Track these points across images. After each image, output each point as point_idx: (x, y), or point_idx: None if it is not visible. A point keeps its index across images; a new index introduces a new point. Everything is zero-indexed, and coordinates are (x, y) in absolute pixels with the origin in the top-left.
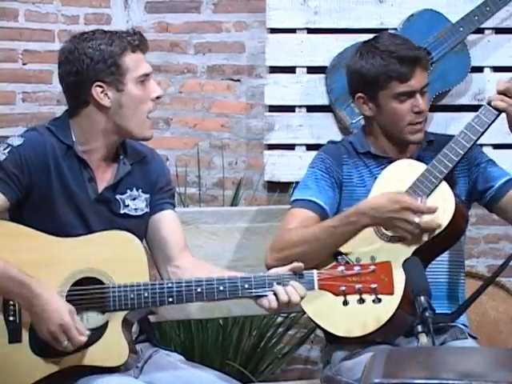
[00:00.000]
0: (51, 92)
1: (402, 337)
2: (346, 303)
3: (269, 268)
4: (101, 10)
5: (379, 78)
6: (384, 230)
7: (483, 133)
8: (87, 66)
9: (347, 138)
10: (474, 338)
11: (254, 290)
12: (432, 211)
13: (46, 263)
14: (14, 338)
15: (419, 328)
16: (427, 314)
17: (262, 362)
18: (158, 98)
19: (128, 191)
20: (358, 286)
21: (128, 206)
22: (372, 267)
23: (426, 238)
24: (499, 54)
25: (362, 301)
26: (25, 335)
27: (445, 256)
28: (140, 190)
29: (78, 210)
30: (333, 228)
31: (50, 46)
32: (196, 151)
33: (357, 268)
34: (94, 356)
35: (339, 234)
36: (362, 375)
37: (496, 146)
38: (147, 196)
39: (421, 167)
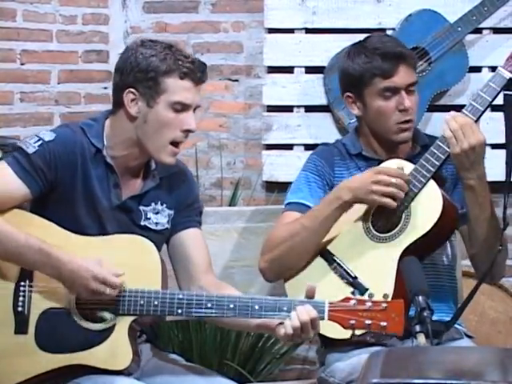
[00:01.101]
0: (49, 92)
1: (395, 338)
2: (352, 336)
3: (263, 272)
4: (99, 10)
5: (364, 75)
6: (374, 231)
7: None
8: (130, 69)
9: (341, 140)
10: (470, 337)
11: (263, 313)
12: (405, 177)
13: None
14: (21, 329)
15: (417, 328)
16: (425, 313)
17: (260, 362)
18: (188, 131)
19: (152, 204)
20: (367, 321)
21: (150, 218)
22: (384, 305)
23: (414, 236)
24: (497, 54)
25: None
26: (31, 328)
27: (436, 259)
28: (164, 205)
29: (97, 213)
30: (317, 211)
31: (48, 46)
32: (194, 151)
33: (369, 304)
34: (97, 357)
35: (324, 217)
36: (360, 375)
37: (494, 146)
38: (171, 212)
39: (409, 167)
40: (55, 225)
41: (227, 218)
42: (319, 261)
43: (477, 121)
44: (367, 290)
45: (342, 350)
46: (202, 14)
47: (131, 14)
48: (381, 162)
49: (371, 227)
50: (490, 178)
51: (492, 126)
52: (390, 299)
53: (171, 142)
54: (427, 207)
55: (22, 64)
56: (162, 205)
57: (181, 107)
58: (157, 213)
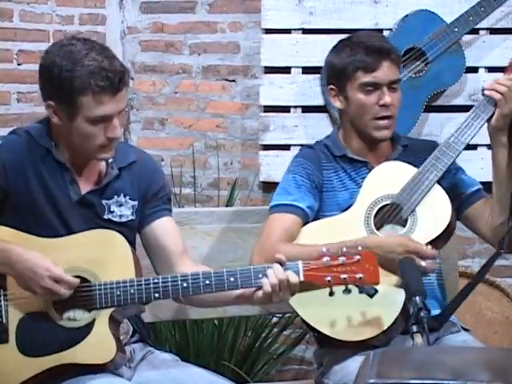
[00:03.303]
0: None
1: (399, 334)
2: (331, 294)
3: None
4: (96, 11)
5: (347, 68)
6: (374, 229)
7: (473, 136)
8: (47, 82)
9: (321, 141)
10: (466, 330)
11: (240, 283)
12: (435, 256)
13: None
14: (1, 338)
15: (414, 328)
16: (422, 314)
17: (257, 363)
18: (111, 139)
19: (115, 197)
20: (343, 276)
21: (113, 212)
22: (357, 257)
23: (427, 238)
24: (494, 55)
25: (348, 291)
26: (12, 335)
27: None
28: (128, 197)
29: (58, 211)
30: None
31: (45, 46)
32: (191, 152)
33: (342, 258)
34: (82, 354)
35: None
36: (356, 376)
37: (491, 147)
38: (134, 203)
39: (409, 169)
40: (23, 233)
41: (224, 219)
42: None
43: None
44: (377, 291)
45: (339, 352)
46: (198, 15)
47: (128, 14)
48: (367, 164)
49: (376, 232)
50: (487, 179)
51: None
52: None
53: (100, 147)
54: (436, 212)
55: (18, 64)
56: (124, 197)
57: (100, 120)
58: (120, 205)
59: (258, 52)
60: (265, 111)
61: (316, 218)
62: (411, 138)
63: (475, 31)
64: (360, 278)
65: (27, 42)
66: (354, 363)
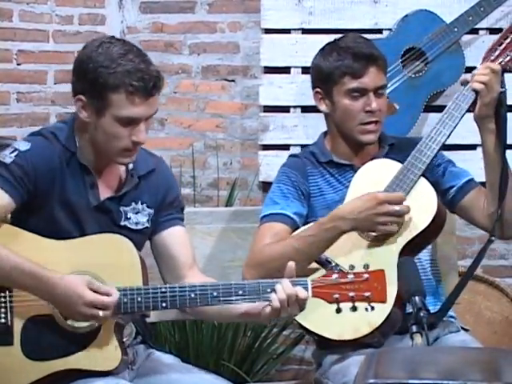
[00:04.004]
0: (46, 92)
1: (395, 335)
2: (338, 311)
3: None
4: (95, 11)
5: (334, 73)
6: (368, 231)
7: (454, 127)
8: (81, 77)
9: (307, 149)
10: (466, 330)
11: (247, 297)
12: (404, 199)
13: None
14: (6, 340)
15: (414, 328)
16: (422, 314)
17: (256, 363)
18: (136, 143)
19: (133, 204)
20: (351, 293)
21: (130, 218)
22: (366, 275)
23: (411, 234)
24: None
25: (354, 309)
26: (16, 338)
27: (421, 255)
28: (144, 205)
29: (75, 215)
30: (311, 238)
31: (45, 46)
32: (191, 152)
33: (350, 276)
34: (86, 360)
35: (317, 243)
36: (356, 376)
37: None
38: (151, 211)
39: (395, 166)
40: (36, 235)
41: (224, 219)
42: (314, 265)
43: (449, 136)
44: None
45: (338, 352)
46: (198, 15)
47: (128, 14)
48: (354, 167)
49: (363, 231)
50: (481, 179)
51: None
52: (370, 269)
53: (123, 149)
54: (421, 205)
55: (18, 64)
56: (142, 204)
57: (128, 121)
58: (137, 212)
59: (257, 52)
60: (264, 111)
61: (307, 223)
62: (397, 137)
63: (475, 31)
64: (368, 297)
65: (27, 41)
66: (352, 363)
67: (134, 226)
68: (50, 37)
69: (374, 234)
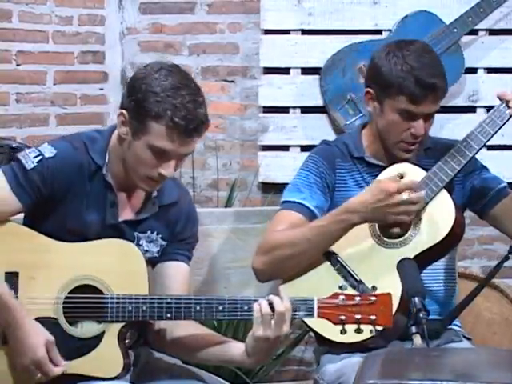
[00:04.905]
0: (45, 93)
1: (397, 341)
2: (343, 332)
3: (256, 272)
4: (95, 11)
5: (392, 86)
6: (379, 232)
7: (486, 142)
8: (130, 93)
9: (341, 138)
10: (468, 339)
11: (254, 313)
12: (417, 186)
13: (46, 266)
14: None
15: (413, 329)
16: (421, 315)
17: None
18: (162, 175)
19: (148, 232)
20: (357, 316)
21: (141, 245)
22: (373, 298)
23: (426, 245)
24: (493, 56)
25: (359, 331)
26: None
27: (438, 264)
28: (159, 236)
29: (84, 231)
30: (322, 227)
31: (44, 47)
32: None
33: (357, 298)
34: (88, 365)
35: (329, 233)
36: (357, 376)
37: (490, 147)
38: (164, 243)
39: (419, 172)
40: (43, 235)
41: (223, 219)
42: (321, 260)
43: (479, 150)
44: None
45: (336, 352)
46: (198, 15)
47: (127, 14)
48: (383, 168)
49: (377, 230)
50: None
51: None
52: (377, 292)
53: (148, 177)
54: (440, 217)
55: (17, 65)
56: (157, 235)
57: (160, 153)
58: (150, 241)
59: (257, 53)
60: (264, 112)
61: None
62: (435, 139)
63: (474, 32)
64: (373, 320)
65: (26, 42)
66: (348, 364)
67: (142, 254)
68: (49, 37)
69: (384, 238)
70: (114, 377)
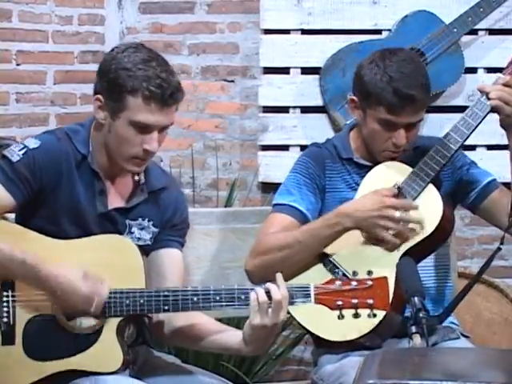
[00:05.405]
0: (45, 93)
1: (393, 338)
2: (341, 317)
3: (249, 274)
4: (95, 11)
5: (371, 96)
6: None
7: (469, 135)
8: (102, 76)
9: (331, 140)
10: (466, 336)
11: (251, 301)
12: (414, 207)
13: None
14: (8, 340)
15: (413, 329)
16: (421, 314)
17: (256, 363)
18: (147, 151)
19: (139, 219)
20: (354, 300)
21: (133, 233)
22: (369, 282)
23: (414, 240)
24: (493, 55)
25: (357, 315)
26: (18, 338)
27: (431, 261)
28: (151, 223)
29: (80, 220)
30: (315, 231)
31: (44, 47)
32: (190, 152)
33: (354, 283)
34: (88, 361)
35: (321, 237)
36: (356, 376)
37: (490, 147)
38: (156, 230)
39: (407, 169)
40: (39, 234)
41: (223, 219)
42: (314, 262)
43: (462, 143)
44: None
45: (334, 352)
46: (197, 15)
47: (127, 14)
48: (372, 168)
49: (364, 231)
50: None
51: (488, 127)
52: (373, 276)
53: (134, 157)
54: (427, 211)
55: (17, 64)
56: (148, 221)
57: (142, 127)
58: (142, 228)
59: (256, 52)
60: (264, 112)
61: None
62: (424, 137)
63: (474, 32)
64: (371, 304)
65: (26, 42)
66: (348, 364)
67: (135, 241)
68: (49, 37)
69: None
70: (114, 371)
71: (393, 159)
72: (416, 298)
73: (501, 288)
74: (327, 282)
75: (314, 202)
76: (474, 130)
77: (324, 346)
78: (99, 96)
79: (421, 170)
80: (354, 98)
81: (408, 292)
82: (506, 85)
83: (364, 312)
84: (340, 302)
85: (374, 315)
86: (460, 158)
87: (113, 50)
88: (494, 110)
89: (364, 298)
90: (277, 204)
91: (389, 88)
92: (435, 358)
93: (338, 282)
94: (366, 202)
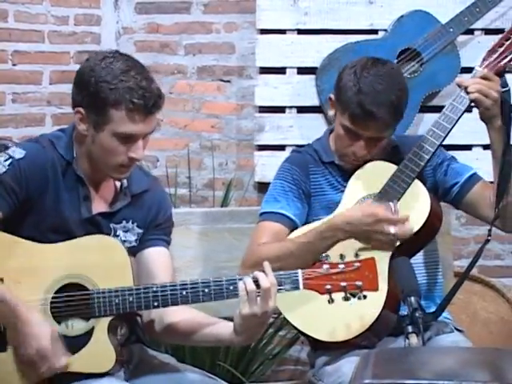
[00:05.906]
0: (41, 93)
1: (389, 336)
2: (331, 301)
3: None
4: (91, 11)
5: (341, 101)
6: None
7: (451, 129)
8: (82, 89)
9: (312, 145)
10: (459, 331)
11: (239, 291)
12: (406, 220)
13: (30, 270)
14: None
15: (409, 328)
16: (417, 314)
17: (252, 363)
18: (133, 159)
19: (123, 222)
20: (343, 283)
21: (118, 235)
22: (356, 264)
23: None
24: None
25: (347, 298)
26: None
27: (420, 257)
28: (135, 224)
29: (65, 226)
30: (308, 244)
31: (40, 47)
32: (186, 152)
33: (341, 266)
34: (81, 362)
35: (315, 250)
36: (352, 376)
37: (486, 147)
38: (140, 231)
39: (391, 167)
40: (24, 240)
41: (219, 219)
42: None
43: (445, 138)
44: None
45: (331, 353)
46: (193, 15)
47: (123, 14)
48: (354, 169)
49: (357, 240)
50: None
51: (483, 127)
52: (360, 258)
53: (120, 165)
54: (415, 207)
55: (13, 65)
56: (132, 223)
57: (127, 137)
58: (126, 231)
59: (252, 52)
60: (260, 112)
61: (307, 223)
62: (401, 137)
63: (470, 32)
64: (359, 286)
65: (22, 42)
66: (346, 364)
67: None
68: (45, 37)
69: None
70: (108, 371)
71: (354, 165)
72: (412, 298)
73: (497, 287)
74: (314, 265)
75: (301, 207)
76: (455, 125)
77: (320, 348)
78: (80, 109)
79: (406, 167)
80: (332, 96)
81: (404, 292)
82: (484, 78)
83: (354, 294)
84: (329, 286)
85: (365, 297)
86: (439, 154)
87: (88, 59)
88: (473, 103)
89: (352, 280)
90: (264, 212)
91: (355, 99)
92: (430, 358)
93: (325, 266)
94: (359, 215)
